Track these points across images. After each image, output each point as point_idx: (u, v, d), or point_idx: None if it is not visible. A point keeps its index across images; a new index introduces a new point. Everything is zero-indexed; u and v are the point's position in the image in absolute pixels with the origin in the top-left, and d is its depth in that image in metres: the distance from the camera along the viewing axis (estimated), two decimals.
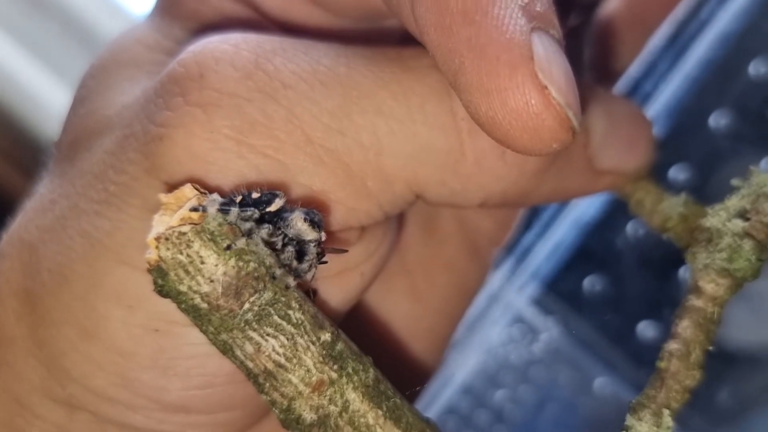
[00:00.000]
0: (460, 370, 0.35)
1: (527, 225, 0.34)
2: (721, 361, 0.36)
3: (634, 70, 0.31)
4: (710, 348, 0.20)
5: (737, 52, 0.34)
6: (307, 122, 0.19)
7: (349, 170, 0.20)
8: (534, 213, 0.34)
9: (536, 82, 0.16)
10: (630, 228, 0.34)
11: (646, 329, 0.34)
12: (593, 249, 0.33)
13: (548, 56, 0.17)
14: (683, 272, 0.35)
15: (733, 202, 0.21)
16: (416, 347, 0.27)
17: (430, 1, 0.17)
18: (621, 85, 0.31)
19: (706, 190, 0.33)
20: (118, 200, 0.20)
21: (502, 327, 0.35)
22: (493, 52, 0.16)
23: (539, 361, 0.36)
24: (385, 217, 0.21)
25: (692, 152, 0.34)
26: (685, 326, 0.20)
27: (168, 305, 0.18)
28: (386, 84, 0.20)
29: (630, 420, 0.20)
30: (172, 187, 0.18)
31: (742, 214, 0.21)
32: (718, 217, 0.21)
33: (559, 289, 0.34)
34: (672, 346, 0.20)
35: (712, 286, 0.20)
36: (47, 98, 0.68)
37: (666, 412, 0.19)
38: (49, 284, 0.21)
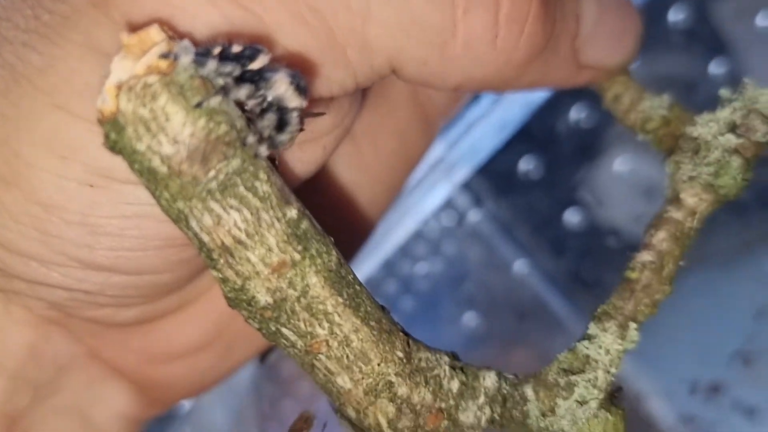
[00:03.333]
0: (377, 241, 0.34)
1: (475, 97, 0.33)
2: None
3: None
4: (681, 263, 0.19)
5: None
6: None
7: (331, 35, 0.17)
8: None
9: None
10: (573, 113, 0.33)
11: (572, 216, 0.34)
12: (533, 129, 0.32)
13: None
14: (618, 164, 0.34)
15: (725, 115, 0.20)
16: (355, 216, 0.26)
17: None
18: None
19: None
20: (52, 33, 0.18)
21: (429, 202, 0.34)
22: None
23: (457, 238, 0.36)
24: (356, 89, 0.19)
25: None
26: (660, 238, 0.19)
27: (109, 160, 0.16)
28: None
29: (593, 329, 0.19)
30: (133, 27, 0.15)
31: (733, 129, 0.20)
32: (708, 129, 0.20)
33: (494, 168, 0.33)
34: (645, 257, 0.19)
35: (695, 200, 0.19)
36: None
37: (633, 325, 0.19)
38: None
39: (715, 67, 0.35)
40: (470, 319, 0.35)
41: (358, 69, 0.18)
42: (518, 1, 0.19)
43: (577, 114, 0.33)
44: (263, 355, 0.31)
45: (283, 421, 0.27)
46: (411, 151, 0.26)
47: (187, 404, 0.31)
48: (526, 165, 0.35)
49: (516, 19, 0.19)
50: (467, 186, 0.34)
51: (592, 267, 0.35)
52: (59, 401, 0.24)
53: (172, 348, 0.25)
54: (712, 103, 0.20)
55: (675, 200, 0.19)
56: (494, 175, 0.35)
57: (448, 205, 0.35)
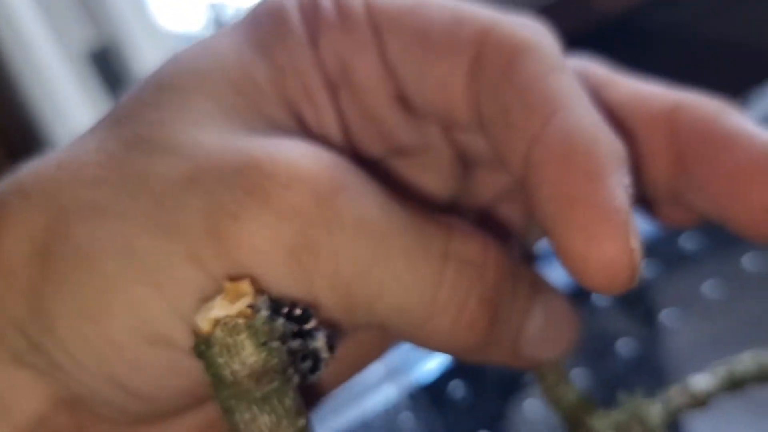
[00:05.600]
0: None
1: None
2: None
3: None
4: None
5: None
6: (342, 263, 0.23)
7: (351, 306, 0.23)
8: None
9: (631, 244, 0.21)
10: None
11: None
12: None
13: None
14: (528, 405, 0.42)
15: (615, 415, 0.28)
16: None
17: (554, 156, 0.22)
18: None
19: None
20: (169, 236, 0.22)
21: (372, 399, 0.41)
22: (606, 208, 0.21)
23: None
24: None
25: None
26: None
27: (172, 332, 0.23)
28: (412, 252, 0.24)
29: None
30: (232, 278, 0.22)
31: (618, 428, 0.27)
32: (601, 422, 0.27)
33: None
34: None
35: None
36: None
37: None
38: (71, 257, 0.23)
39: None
40: None
41: (361, 327, 0.24)
42: (475, 310, 0.24)
43: None
44: None
45: None
46: (366, 358, 0.30)
47: None
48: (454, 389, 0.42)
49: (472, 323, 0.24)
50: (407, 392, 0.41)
51: None
52: None
53: None
54: None
55: None
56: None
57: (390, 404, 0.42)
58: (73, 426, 0.25)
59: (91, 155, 0.24)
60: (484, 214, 0.30)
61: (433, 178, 0.28)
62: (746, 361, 0.30)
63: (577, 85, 0.24)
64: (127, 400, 0.24)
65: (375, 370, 0.40)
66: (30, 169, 0.25)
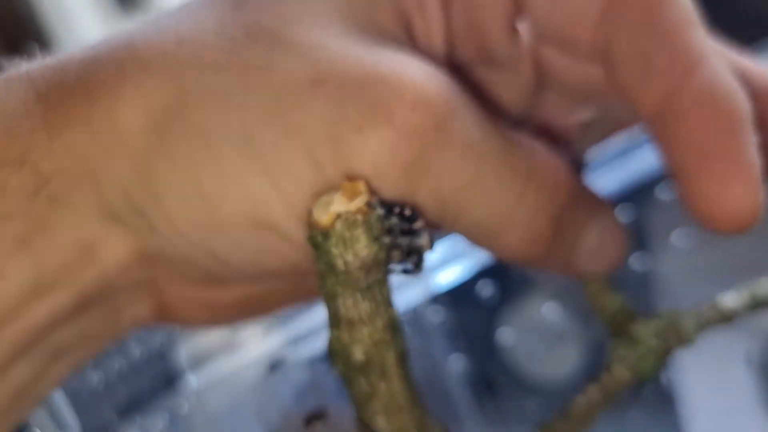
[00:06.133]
0: None
1: None
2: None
3: None
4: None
5: None
6: (446, 181, 0.25)
7: (442, 217, 0.26)
8: None
9: (759, 196, 0.24)
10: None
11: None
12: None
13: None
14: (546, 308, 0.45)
15: (654, 324, 0.31)
16: None
17: (698, 108, 0.24)
18: None
19: None
20: (289, 133, 0.24)
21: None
22: (743, 162, 0.24)
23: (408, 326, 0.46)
24: None
25: None
26: (593, 391, 0.30)
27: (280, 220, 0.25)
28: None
29: None
30: (349, 178, 0.25)
31: (658, 334, 0.30)
32: (642, 329, 0.31)
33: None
34: (581, 399, 0.30)
35: (619, 372, 0.30)
36: None
37: None
38: (190, 138, 0.24)
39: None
40: None
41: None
42: (543, 227, 0.26)
43: None
44: (273, 365, 0.39)
45: (285, 415, 0.34)
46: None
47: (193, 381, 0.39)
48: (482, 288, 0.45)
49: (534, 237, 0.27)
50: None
51: (508, 384, 0.45)
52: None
53: (213, 301, 0.29)
54: None
55: (608, 369, 0.30)
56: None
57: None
58: (148, 278, 0.27)
59: (211, 37, 0.24)
60: (541, 126, 0.33)
61: (510, 91, 0.30)
62: (765, 284, 0.33)
63: (711, 41, 0.26)
64: (215, 266, 0.26)
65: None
66: (145, 36, 0.25)
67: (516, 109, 0.31)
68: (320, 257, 0.25)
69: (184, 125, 0.24)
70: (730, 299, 0.32)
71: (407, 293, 0.44)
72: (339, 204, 0.24)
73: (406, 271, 0.26)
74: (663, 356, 0.30)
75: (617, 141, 0.36)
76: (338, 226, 0.24)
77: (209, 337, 0.40)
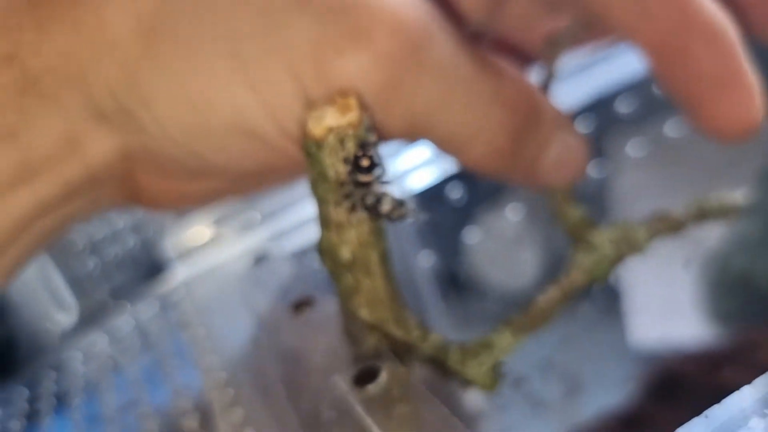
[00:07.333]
0: None
1: None
2: None
3: None
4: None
5: None
6: (417, 101, 0.27)
7: (411, 130, 0.28)
8: None
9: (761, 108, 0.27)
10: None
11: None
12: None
13: None
14: (510, 209, 0.48)
15: (610, 232, 0.34)
16: None
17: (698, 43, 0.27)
18: None
19: None
20: (274, 49, 0.25)
21: None
22: (748, 84, 0.27)
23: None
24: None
25: None
26: (552, 290, 0.33)
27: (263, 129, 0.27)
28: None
29: (501, 326, 0.33)
30: (341, 93, 0.27)
31: (612, 242, 0.34)
32: (599, 237, 0.34)
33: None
34: (541, 297, 0.33)
35: (576, 274, 0.33)
36: None
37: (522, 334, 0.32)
38: (179, 46, 0.25)
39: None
40: None
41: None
42: (504, 142, 0.28)
43: None
44: (258, 258, 0.42)
45: (273, 302, 0.35)
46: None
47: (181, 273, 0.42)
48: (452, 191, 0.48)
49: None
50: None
51: (471, 283, 0.49)
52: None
53: (186, 191, 0.31)
54: None
55: (566, 272, 0.33)
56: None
57: None
58: (129, 170, 0.29)
59: None
60: (507, 39, 0.34)
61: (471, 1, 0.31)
62: (712, 199, 0.36)
63: None
64: (197, 165, 0.28)
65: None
66: None
67: (478, 15, 0.32)
68: (313, 165, 0.27)
69: (173, 33, 0.25)
70: (679, 211, 0.35)
71: None
72: (332, 118, 0.27)
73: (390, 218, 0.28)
74: (616, 262, 0.33)
75: (580, 54, 0.38)
76: (331, 138, 0.27)
77: (196, 231, 0.43)
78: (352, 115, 0.27)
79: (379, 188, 0.27)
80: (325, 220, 0.28)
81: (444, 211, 0.48)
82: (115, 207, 0.31)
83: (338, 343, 0.30)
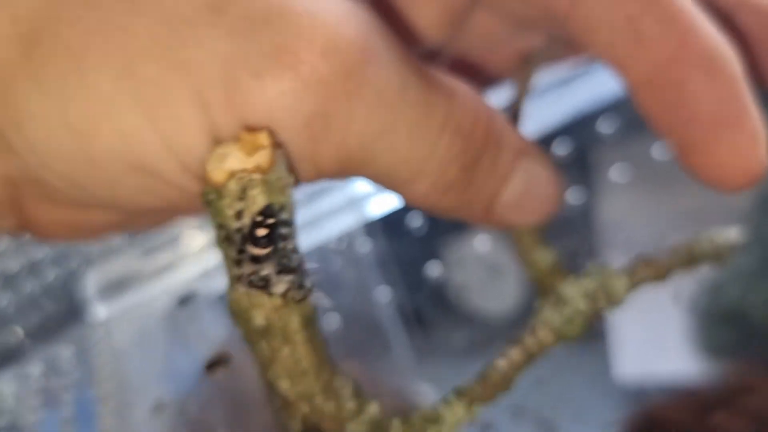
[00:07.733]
0: None
1: None
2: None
3: None
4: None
5: None
6: (351, 133, 0.22)
7: (345, 167, 0.23)
8: None
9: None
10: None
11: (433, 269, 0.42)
12: None
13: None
14: (478, 241, 0.43)
15: (584, 283, 0.29)
16: None
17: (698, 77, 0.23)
18: None
19: None
20: (177, 69, 0.21)
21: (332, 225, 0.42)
22: (751, 128, 0.23)
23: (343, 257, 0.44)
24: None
25: None
26: (515, 352, 0.28)
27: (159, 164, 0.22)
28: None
29: (451, 397, 0.28)
30: (248, 129, 0.22)
31: (587, 295, 0.29)
32: (571, 289, 0.29)
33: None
34: (501, 362, 0.28)
35: (544, 334, 0.28)
36: None
37: (477, 405, 0.27)
38: (60, 60, 0.21)
39: None
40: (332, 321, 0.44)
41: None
42: (453, 176, 0.24)
43: None
44: (183, 299, 0.37)
45: (192, 351, 0.33)
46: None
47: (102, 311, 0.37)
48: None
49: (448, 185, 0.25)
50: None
51: (437, 316, 0.44)
52: None
53: (78, 222, 0.27)
54: None
55: (532, 330, 0.28)
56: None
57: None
58: (12, 196, 0.25)
59: None
60: (463, 59, 0.30)
61: (429, 16, 0.27)
62: (703, 240, 0.31)
63: None
64: (84, 196, 0.24)
65: (335, 198, 0.40)
66: None
67: (436, 33, 0.28)
68: (214, 216, 0.22)
69: (56, 43, 0.21)
70: (665, 256, 0.30)
71: (337, 221, 0.42)
72: (235, 159, 0.22)
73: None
74: (591, 319, 0.28)
75: (558, 70, 0.34)
76: (232, 185, 0.21)
77: (120, 267, 0.38)
78: (262, 156, 0.22)
79: (274, 265, 0.22)
80: (231, 279, 0.23)
81: (405, 242, 0.43)
82: (7, 234, 0.27)
83: (246, 418, 0.26)
